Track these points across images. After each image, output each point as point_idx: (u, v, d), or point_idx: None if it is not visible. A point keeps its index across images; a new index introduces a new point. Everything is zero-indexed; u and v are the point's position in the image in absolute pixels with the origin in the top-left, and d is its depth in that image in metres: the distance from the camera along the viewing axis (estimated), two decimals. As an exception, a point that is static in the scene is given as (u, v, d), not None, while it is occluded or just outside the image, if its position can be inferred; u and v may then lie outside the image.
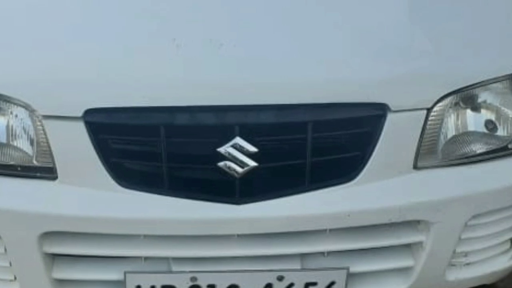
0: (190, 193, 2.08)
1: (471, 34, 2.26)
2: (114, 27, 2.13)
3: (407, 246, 2.26)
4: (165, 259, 2.19)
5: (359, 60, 2.11)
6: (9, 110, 2.07)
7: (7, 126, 2.08)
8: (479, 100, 2.20)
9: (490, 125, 2.21)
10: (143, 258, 2.19)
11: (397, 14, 2.25)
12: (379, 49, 2.14)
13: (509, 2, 2.44)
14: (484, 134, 2.21)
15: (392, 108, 2.08)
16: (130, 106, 2.02)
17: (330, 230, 2.17)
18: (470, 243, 2.29)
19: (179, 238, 2.14)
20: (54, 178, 2.08)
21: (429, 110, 2.12)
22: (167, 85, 2.03)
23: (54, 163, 2.07)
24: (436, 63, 2.15)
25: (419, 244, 2.23)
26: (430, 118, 2.13)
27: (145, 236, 2.13)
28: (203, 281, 2.14)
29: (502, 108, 2.22)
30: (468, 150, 2.21)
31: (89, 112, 2.01)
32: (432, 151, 2.17)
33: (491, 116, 2.21)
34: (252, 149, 2.03)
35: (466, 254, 2.32)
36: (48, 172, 2.08)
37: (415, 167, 2.16)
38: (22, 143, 2.08)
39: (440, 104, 2.13)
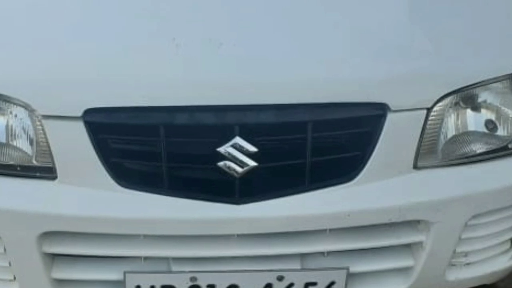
0: (190, 193, 2.08)
1: (471, 34, 2.26)
2: (113, 26, 2.12)
3: (407, 246, 2.26)
4: (165, 259, 2.19)
5: (359, 60, 2.11)
6: (9, 110, 2.07)
7: (7, 126, 2.07)
8: (479, 100, 2.20)
9: (490, 125, 2.20)
10: (142, 258, 2.18)
11: (397, 14, 2.25)
12: (379, 49, 2.14)
13: (509, 2, 2.44)
14: (484, 134, 2.21)
15: (392, 108, 2.08)
16: (129, 106, 2.02)
17: (330, 230, 2.17)
18: (470, 243, 2.29)
19: (179, 238, 2.13)
20: (54, 178, 2.08)
21: (429, 110, 2.12)
22: (166, 84, 2.03)
23: (53, 163, 2.06)
24: (436, 63, 2.15)
25: (419, 244, 2.23)
26: (430, 118, 2.12)
27: (145, 236, 2.13)
28: (202, 281, 2.14)
29: (502, 108, 2.21)
30: (468, 150, 2.21)
31: (88, 112, 2.01)
32: (432, 151, 2.17)
33: (491, 116, 2.21)
34: (252, 149, 2.03)
35: (466, 254, 2.32)
36: (47, 172, 2.08)
37: (415, 167, 2.16)
38: (22, 143, 2.08)
39: (440, 104, 2.13)
